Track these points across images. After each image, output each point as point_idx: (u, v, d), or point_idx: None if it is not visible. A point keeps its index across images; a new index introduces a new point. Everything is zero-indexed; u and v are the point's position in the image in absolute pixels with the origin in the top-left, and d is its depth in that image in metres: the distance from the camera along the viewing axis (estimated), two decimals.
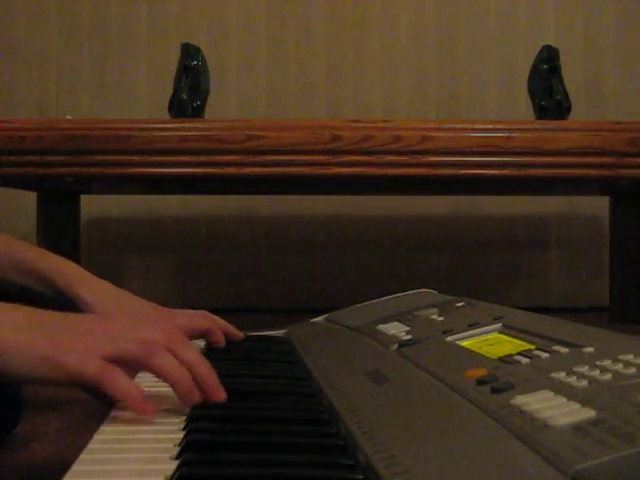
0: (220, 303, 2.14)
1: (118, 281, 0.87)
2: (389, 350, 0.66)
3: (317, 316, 1.04)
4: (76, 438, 0.73)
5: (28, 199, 1.95)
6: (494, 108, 2.26)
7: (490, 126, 1.47)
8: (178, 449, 0.45)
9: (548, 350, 0.50)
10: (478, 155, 1.44)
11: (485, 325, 0.64)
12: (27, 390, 0.71)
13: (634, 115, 2.19)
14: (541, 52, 1.69)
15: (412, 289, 1.03)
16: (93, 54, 2.26)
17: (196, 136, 1.44)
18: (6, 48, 2.25)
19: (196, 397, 0.54)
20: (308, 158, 1.44)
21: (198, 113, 1.61)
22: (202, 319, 0.85)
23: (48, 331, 0.53)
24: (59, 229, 1.88)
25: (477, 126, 1.47)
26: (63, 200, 1.89)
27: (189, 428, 0.49)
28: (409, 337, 0.68)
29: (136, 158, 1.44)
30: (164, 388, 0.55)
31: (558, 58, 1.67)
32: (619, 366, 0.42)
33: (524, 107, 1.90)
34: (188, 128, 1.46)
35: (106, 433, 0.50)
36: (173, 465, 0.42)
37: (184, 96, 1.60)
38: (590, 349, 0.47)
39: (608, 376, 0.41)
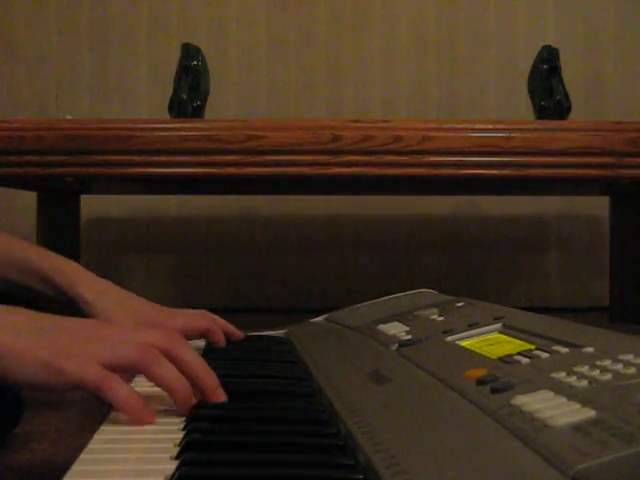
0: (220, 303, 2.14)
1: (118, 281, 0.87)
2: (389, 350, 0.66)
3: (317, 316, 1.04)
4: (76, 438, 0.73)
5: (28, 199, 1.95)
6: (494, 108, 2.26)
7: (490, 126, 1.47)
8: (178, 449, 0.45)
9: (548, 350, 0.50)
10: (478, 155, 1.44)
11: (485, 325, 0.64)
12: (27, 390, 0.71)
13: (634, 115, 2.19)
14: (541, 52, 1.69)
15: (412, 289, 1.03)
16: (93, 54, 2.26)
17: (196, 136, 1.44)
18: (6, 48, 2.25)
19: (193, 404, 0.54)
20: (308, 158, 1.44)
21: (198, 113, 1.61)
22: (202, 319, 0.85)
23: (48, 336, 0.53)
24: (59, 229, 1.88)
25: (477, 126, 1.47)
26: (63, 200, 1.90)
27: (189, 428, 0.49)
28: (409, 337, 0.68)
29: (136, 158, 1.44)
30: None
31: (558, 58, 1.67)
32: (619, 366, 0.42)
33: (524, 107, 1.90)
34: (188, 128, 1.46)
35: (106, 433, 0.50)
36: (173, 465, 0.42)
37: (184, 96, 1.60)
38: (590, 349, 0.47)
39: (608, 376, 0.41)
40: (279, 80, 2.26)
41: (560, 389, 0.41)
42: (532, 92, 1.68)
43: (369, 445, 0.41)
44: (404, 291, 1.02)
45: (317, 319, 1.03)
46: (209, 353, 0.78)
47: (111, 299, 0.82)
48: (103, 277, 0.86)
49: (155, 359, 0.53)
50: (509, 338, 0.58)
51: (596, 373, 0.42)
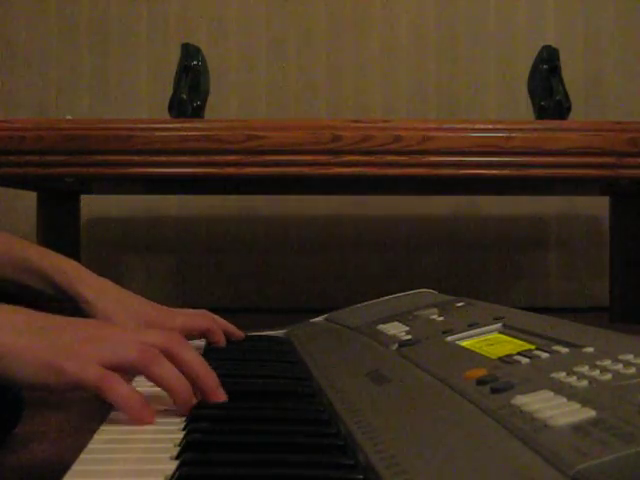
0: (220, 303, 2.14)
1: (118, 281, 0.87)
2: (389, 350, 0.66)
3: (317, 316, 1.04)
4: (76, 438, 0.72)
5: (28, 199, 1.95)
6: (494, 108, 2.26)
7: (490, 126, 1.47)
8: (178, 449, 0.45)
9: (548, 350, 0.50)
10: (478, 155, 1.44)
11: (485, 325, 0.64)
12: (27, 390, 0.71)
13: (634, 115, 2.19)
14: (541, 52, 1.69)
15: (412, 289, 1.03)
16: (93, 54, 2.26)
17: (196, 136, 1.44)
18: (6, 48, 2.25)
19: (193, 404, 0.54)
20: (308, 158, 1.44)
21: (198, 113, 1.61)
22: (202, 318, 0.85)
23: (48, 336, 0.53)
24: (59, 229, 1.88)
25: (477, 126, 1.47)
26: (63, 200, 1.90)
27: (189, 428, 0.49)
28: (409, 337, 0.68)
29: (136, 158, 1.44)
30: None
31: (558, 58, 1.67)
32: (619, 366, 0.42)
33: (524, 107, 1.90)
34: (188, 128, 1.46)
35: (106, 433, 0.50)
36: (173, 465, 0.42)
37: (184, 96, 1.60)
38: (590, 349, 0.47)
39: (608, 376, 0.41)
40: (279, 80, 2.26)
41: (560, 389, 0.41)
42: (532, 92, 1.68)
43: (369, 445, 0.41)
44: (404, 291, 1.02)
45: (317, 319, 1.03)
46: (209, 353, 0.78)
47: (111, 298, 0.83)
48: (103, 277, 0.86)
49: (155, 359, 0.53)
50: (509, 338, 0.58)
51: (596, 373, 0.42)
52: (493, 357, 0.52)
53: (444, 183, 1.75)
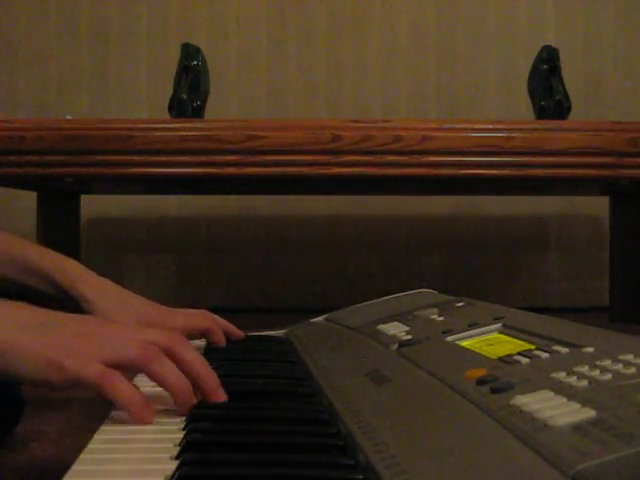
0: (220, 303, 2.14)
1: (118, 281, 0.87)
2: (389, 350, 0.66)
3: (317, 316, 1.04)
4: (76, 438, 0.73)
5: (28, 199, 1.95)
6: (494, 108, 2.26)
7: (490, 126, 1.47)
8: (178, 449, 0.45)
9: (548, 350, 0.50)
10: (478, 155, 1.44)
11: (485, 325, 0.64)
12: (27, 390, 0.71)
13: (634, 115, 2.19)
14: (541, 52, 1.69)
15: (412, 289, 1.03)
16: (93, 54, 2.26)
17: (196, 136, 1.44)
18: (6, 48, 2.25)
19: (193, 403, 0.54)
20: (308, 158, 1.44)
21: (198, 113, 1.61)
22: (202, 318, 0.85)
23: (50, 332, 0.53)
24: (59, 229, 1.88)
25: (477, 126, 1.47)
26: (63, 200, 1.90)
27: (189, 428, 0.49)
28: (409, 337, 0.68)
29: (136, 158, 1.44)
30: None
31: (558, 58, 1.67)
32: (619, 366, 0.42)
33: (524, 107, 1.90)
34: (188, 128, 1.46)
35: (106, 433, 0.50)
36: (173, 465, 0.42)
37: (184, 96, 1.60)
38: (590, 349, 0.47)
39: (608, 376, 0.41)
40: (279, 80, 2.26)
41: (560, 389, 0.41)
42: (532, 92, 1.68)
43: (369, 445, 0.41)
44: (404, 291, 1.02)
45: (317, 319, 1.03)
46: (209, 353, 0.78)
47: (111, 298, 0.83)
48: (103, 277, 0.86)
49: (156, 357, 0.53)
50: (509, 338, 0.58)
51: (596, 373, 0.42)
52: (493, 357, 0.52)
53: (444, 183, 1.75)
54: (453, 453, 0.37)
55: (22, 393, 0.73)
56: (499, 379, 0.45)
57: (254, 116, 2.20)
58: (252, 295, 2.24)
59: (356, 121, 1.48)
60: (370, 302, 1.01)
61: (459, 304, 0.79)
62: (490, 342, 0.59)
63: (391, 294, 1.02)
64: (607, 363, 0.43)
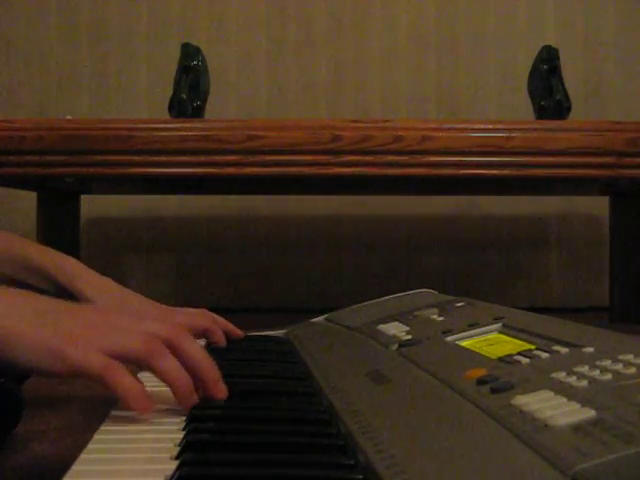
0: (220, 303, 2.14)
1: (118, 281, 0.88)
2: (389, 350, 0.66)
3: (317, 316, 1.04)
4: (76, 438, 0.72)
5: (28, 199, 1.95)
6: (494, 108, 2.26)
7: (490, 126, 1.47)
8: (178, 449, 0.45)
9: (548, 350, 0.50)
10: (478, 155, 1.44)
11: (485, 325, 0.64)
12: (27, 390, 0.71)
13: (634, 115, 2.19)
14: (541, 52, 1.69)
15: (412, 289, 1.03)
16: (93, 54, 2.26)
17: (196, 136, 1.44)
18: (6, 48, 2.25)
19: (194, 401, 0.54)
20: (308, 158, 1.44)
21: (198, 113, 1.61)
22: (202, 318, 0.85)
23: (53, 320, 0.53)
24: (59, 229, 1.88)
25: (477, 126, 1.47)
26: (63, 200, 1.89)
27: (189, 428, 0.49)
28: (409, 337, 0.68)
29: (136, 158, 1.44)
30: (164, 388, 0.55)
31: (558, 58, 1.67)
32: (619, 366, 0.42)
33: (524, 107, 1.90)
34: (188, 128, 1.46)
35: (106, 433, 0.50)
36: (173, 465, 0.42)
37: (184, 96, 1.60)
38: (590, 349, 0.47)
39: (608, 376, 0.41)
40: (279, 80, 2.26)
41: (560, 389, 0.41)
42: (532, 92, 1.68)
43: (369, 445, 0.41)
44: (404, 291, 1.02)
45: (317, 319, 1.03)
46: (209, 353, 0.77)
47: (112, 296, 0.83)
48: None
49: (158, 351, 0.53)
50: (509, 338, 0.58)
51: (596, 373, 0.42)
52: (493, 357, 0.52)
53: (444, 183, 1.75)
54: (453, 453, 0.37)
55: (22, 393, 0.73)
56: (499, 379, 0.45)
57: (254, 116, 2.20)
58: (252, 295, 2.24)
59: (356, 121, 1.48)
60: (370, 302, 1.01)
61: (459, 304, 0.79)
62: (490, 342, 0.59)
63: (391, 294, 1.02)
64: (607, 363, 0.43)
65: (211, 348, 0.81)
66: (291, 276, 2.25)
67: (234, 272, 2.25)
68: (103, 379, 0.50)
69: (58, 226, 1.88)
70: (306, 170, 1.44)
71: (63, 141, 1.43)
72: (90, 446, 0.46)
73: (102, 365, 0.50)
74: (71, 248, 1.85)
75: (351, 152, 1.43)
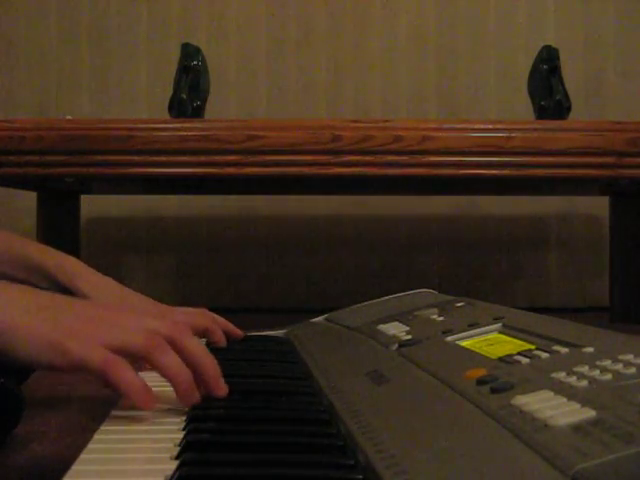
0: (220, 303, 2.14)
1: (118, 281, 0.88)
2: (389, 350, 0.66)
3: (317, 316, 1.04)
4: (76, 438, 0.73)
5: (28, 199, 1.95)
6: (494, 108, 2.26)
7: (490, 126, 1.47)
8: (178, 449, 0.45)
9: (548, 350, 0.50)
10: (478, 155, 1.44)
11: (485, 325, 0.64)
12: (27, 390, 0.71)
13: (634, 115, 2.19)
14: (541, 52, 1.69)
15: (412, 289, 1.03)
16: (93, 54, 2.26)
17: (196, 136, 1.44)
18: (6, 48, 2.25)
19: (195, 398, 0.54)
20: (308, 158, 1.44)
21: (198, 113, 1.61)
22: (202, 317, 0.85)
23: (54, 315, 0.53)
24: (59, 229, 1.88)
25: (477, 126, 1.47)
26: (63, 200, 1.89)
27: (189, 428, 0.49)
28: (409, 337, 0.68)
29: (136, 158, 1.44)
30: (165, 388, 0.55)
31: (558, 58, 1.67)
32: (619, 366, 0.42)
33: (524, 107, 1.90)
34: (188, 128, 1.46)
35: (106, 433, 0.50)
36: (173, 465, 0.42)
37: (184, 96, 1.60)
38: (590, 349, 0.47)
39: (608, 376, 0.41)
40: (279, 80, 2.26)
41: (560, 389, 0.41)
42: (532, 92, 1.68)
43: (369, 445, 0.41)
44: (404, 291, 1.02)
45: (317, 319, 1.03)
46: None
47: (112, 295, 0.83)
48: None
49: (160, 347, 0.53)
50: (509, 338, 0.58)
51: (596, 373, 0.42)
52: (493, 357, 0.52)
53: (444, 183, 1.75)
54: (453, 453, 0.37)
55: (22, 393, 0.73)
56: (499, 379, 0.45)
57: (254, 116, 2.20)
58: (252, 295, 2.24)
59: (356, 121, 1.48)
60: (370, 302, 1.01)
61: (459, 304, 0.79)
62: (490, 342, 0.59)
63: (391, 294, 1.02)
64: (607, 363, 0.43)
65: (211, 348, 0.81)
66: (291, 276, 2.25)
67: (234, 272, 2.25)
68: (104, 373, 0.50)
69: (58, 226, 1.88)
70: (306, 170, 1.44)
71: (63, 141, 1.43)
72: (90, 446, 0.46)
73: (103, 359, 0.50)
74: (71, 248, 1.85)
75: (351, 152, 1.43)
